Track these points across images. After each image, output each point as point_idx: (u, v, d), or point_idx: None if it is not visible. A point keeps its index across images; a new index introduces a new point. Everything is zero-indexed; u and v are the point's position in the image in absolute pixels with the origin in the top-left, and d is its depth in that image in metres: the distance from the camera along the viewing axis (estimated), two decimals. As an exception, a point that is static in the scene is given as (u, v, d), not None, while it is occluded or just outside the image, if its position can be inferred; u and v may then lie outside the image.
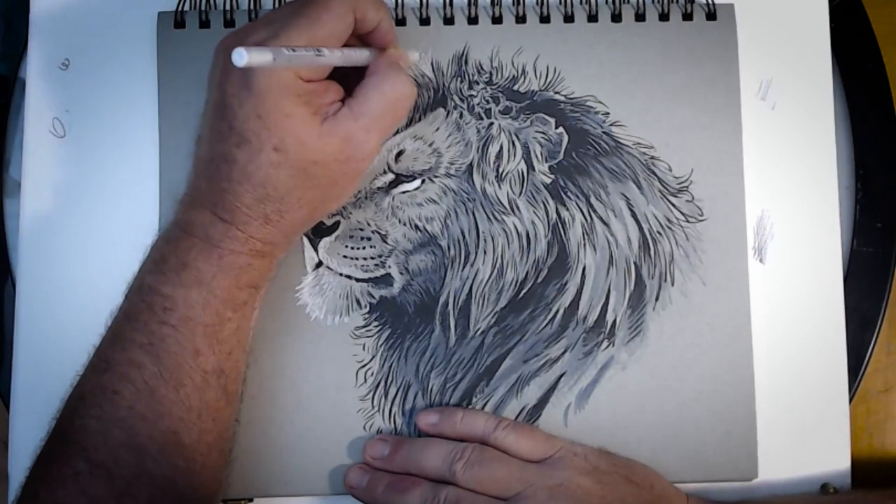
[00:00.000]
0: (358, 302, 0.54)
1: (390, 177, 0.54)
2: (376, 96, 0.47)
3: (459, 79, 0.55)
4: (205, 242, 0.46)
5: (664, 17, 0.55)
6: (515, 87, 0.55)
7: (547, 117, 0.54)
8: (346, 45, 0.48)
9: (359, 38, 0.49)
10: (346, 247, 0.53)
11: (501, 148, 0.54)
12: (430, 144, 0.54)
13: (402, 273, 0.54)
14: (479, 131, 0.54)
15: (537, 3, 0.55)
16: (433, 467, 0.50)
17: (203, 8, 0.55)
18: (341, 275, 0.54)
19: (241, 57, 0.40)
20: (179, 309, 0.46)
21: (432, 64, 0.55)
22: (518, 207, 0.54)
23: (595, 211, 0.54)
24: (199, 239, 0.46)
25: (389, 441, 0.52)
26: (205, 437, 0.47)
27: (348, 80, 0.48)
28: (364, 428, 0.53)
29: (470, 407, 0.53)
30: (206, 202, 0.47)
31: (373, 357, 0.53)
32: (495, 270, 0.53)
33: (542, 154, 0.54)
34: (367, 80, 0.47)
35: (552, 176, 0.54)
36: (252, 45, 0.42)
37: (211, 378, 0.47)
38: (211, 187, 0.46)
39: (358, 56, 0.48)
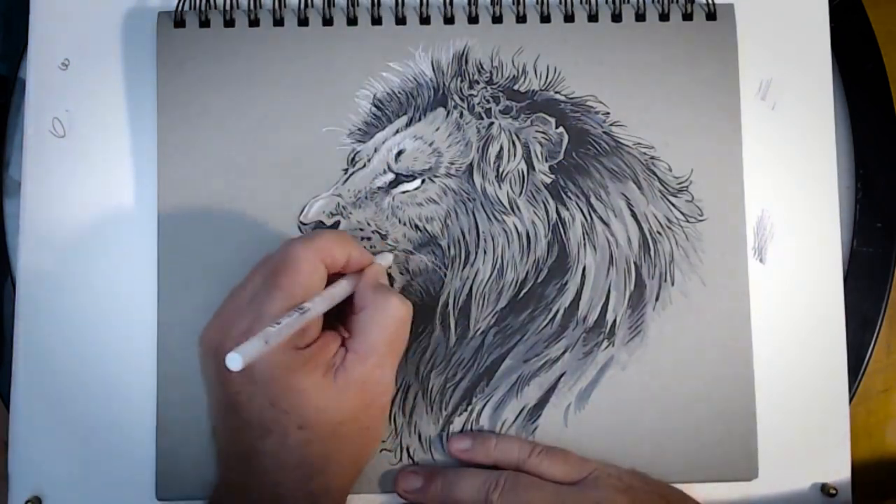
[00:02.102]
0: (358, 302, 0.54)
1: (390, 176, 0.54)
2: (376, 331, 0.45)
3: (459, 78, 0.55)
4: None
5: (664, 17, 0.55)
6: (516, 87, 0.55)
7: (547, 117, 0.54)
8: None
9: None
10: (347, 247, 0.53)
11: (502, 148, 0.54)
12: (430, 144, 0.54)
13: (402, 273, 0.54)
14: (479, 131, 0.54)
15: (537, 3, 0.55)
16: (469, 498, 0.49)
17: (203, 8, 0.55)
18: (341, 275, 0.53)
19: (237, 362, 0.38)
20: None
21: (432, 63, 0.55)
22: (518, 207, 0.54)
23: (595, 211, 0.54)
24: None
25: (421, 473, 0.52)
26: None
27: (342, 313, 0.47)
28: (364, 428, 0.53)
29: (470, 407, 0.53)
30: (245, 498, 0.44)
31: (373, 357, 0.53)
32: (495, 270, 0.53)
33: (542, 154, 0.54)
34: (360, 315, 0.46)
35: (552, 176, 0.54)
36: (238, 340, 0.41)
37: None
38: (248, 482, 0.44)
39: (340, 291, 0.46)
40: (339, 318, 0.48)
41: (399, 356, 0.47)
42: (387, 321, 0.46)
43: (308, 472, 0.44)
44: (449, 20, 0.55)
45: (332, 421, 0.44)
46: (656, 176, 0.54)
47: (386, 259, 0.51)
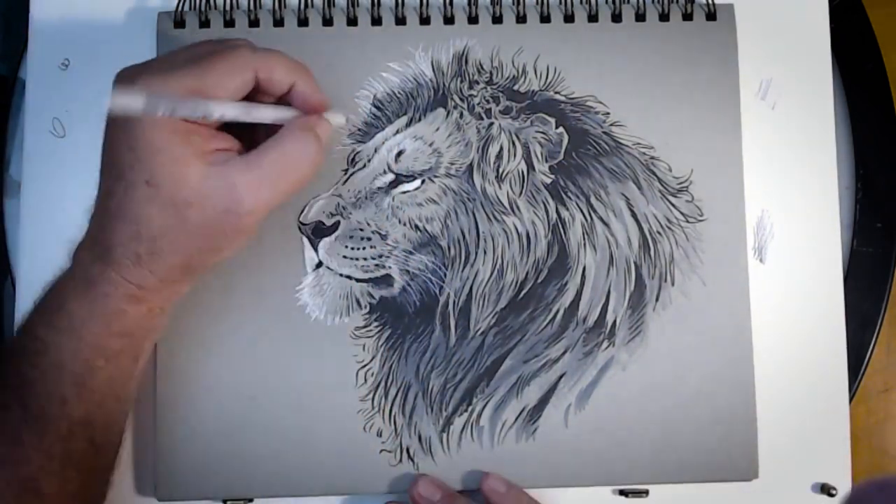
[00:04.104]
0: (358, 302, 0.54)
1: (390, 177, 0.54)
2: (275, 153, 0.44)
3: (459, 78, 0.55)
4: (81, 283, 0.44)
5: (664, 17, 0.55)
6: (516, 87, 0.55)
7: (547, 117, 0.54)
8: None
9: (282, 100, 0.47)
10: (346, 247, 0.53)
11: (501, 148, 0.54)
12: (430, 144, 0.54)
13: (402, 273, 0.54)
14: (479, 131, 0.54)
15: (537, 3, 0.55)
16: None
17: (203, 8, 0.55)
18: (341, 275, 0.53)
19: (116, 100, 0.40)
20: (49, 353, 0.44)
21: (432, 63, 0.55)
22: (518, 207, 0.54)
23: (595, 211, 0.54)
24: (77, 280, 0.44)
25: (441, 488, 0.52)
26: (67, 487, 0.44)
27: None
28: (364, 428, 0.53)
29: (470, 407, 0.53)
30: (88, 241, 0.45)
31: (373, 357, 0.53)
32: (495, 271, 0.53)
33: (542, 154, 0.54)
34: (272, 137, 0.45)
35: (552, 176, 0.54)
36: (141, 82, 0.41)
37: (77, 428, 0.44)
38: (94, 224, 0.45)
39: (263, 113, 0.45)
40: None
41: (284, 193, 0.45)
42: (290, 150, 0.44)
43: (140, 231, 0.43)
44: (449, 20, 0.55)
45: (180, 196, 0.43)
46: (656, 176, 0.54)
47: (338, 118, 0.49)
